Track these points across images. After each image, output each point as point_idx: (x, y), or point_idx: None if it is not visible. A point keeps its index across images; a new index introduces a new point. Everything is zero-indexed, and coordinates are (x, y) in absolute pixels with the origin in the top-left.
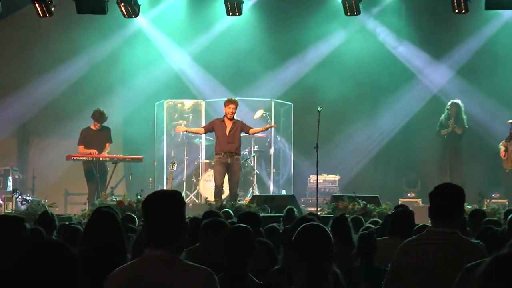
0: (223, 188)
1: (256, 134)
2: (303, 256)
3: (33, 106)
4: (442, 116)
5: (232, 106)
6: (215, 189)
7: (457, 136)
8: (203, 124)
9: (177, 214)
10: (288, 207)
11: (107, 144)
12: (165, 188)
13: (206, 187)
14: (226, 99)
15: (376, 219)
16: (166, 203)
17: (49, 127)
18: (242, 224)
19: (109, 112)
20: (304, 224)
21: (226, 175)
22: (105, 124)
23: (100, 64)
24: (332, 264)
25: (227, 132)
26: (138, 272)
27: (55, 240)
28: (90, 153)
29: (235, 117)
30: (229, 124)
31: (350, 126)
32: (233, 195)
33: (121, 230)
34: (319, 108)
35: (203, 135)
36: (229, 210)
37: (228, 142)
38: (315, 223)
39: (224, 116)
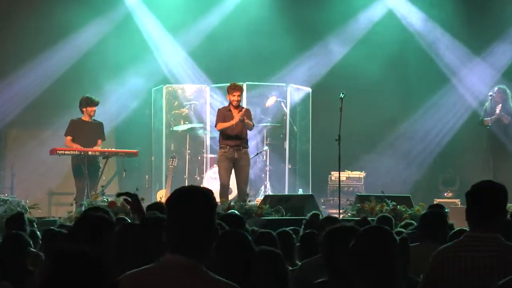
0: (231, 187)
1: (266, 124)
2: (366, 263)
3: (14, 97)
4: (487, 104)
5: (237, 93)
6: (220, 188)
7: (504, 126)
8: (208, 113)
9: (208, 216)
10: (313, 212)
11: (99, 141)
12: (163, 187)
13: (211, 186)
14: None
15: (410, 221)
16: (196, 202)
17: (30, 117)
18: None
19: (99, 100)
20: (366, 227)
21: (233, 172)
22: (98, 118)
23: (89, 46)
24: (399, 272)
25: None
26: (154, 280)
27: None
28: (78, 147)
29: (242, 104)
30: (235, 114)
31: (378, 116)
32: (241, 194)
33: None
34: (341, 94)
35: (208, 126)
36: (237, 212)
37: (235, 134)
38: (378, 226)
39: (230, 104)
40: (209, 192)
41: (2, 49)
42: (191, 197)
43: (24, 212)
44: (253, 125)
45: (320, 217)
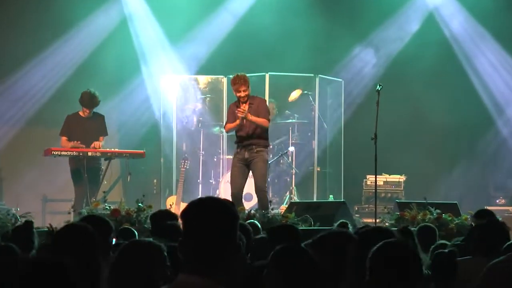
0: (249, 192)
1: (292, 121)
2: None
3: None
4: None
5: (241, 88)
6: (231, 197)
7: None
8: (225, 107)
9: (228, 230)
10: (340, 221)
11: (101, 138)
12: (173, 192)
13: (229, 191)
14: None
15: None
16: (215, 215)
17: (21, 112)
18: None
19: (101, 94)
20: (382, 243)
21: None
22: (97, 110)
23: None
24: None
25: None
26: None
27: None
28: (76, 147)
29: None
30: (245, 108)
31: (420, 111)
32: (259, 191)
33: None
34: (378, 86)
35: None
36: (257, 222)
37: (245, 133)
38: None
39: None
40: (230, 204)
41: None
42: (210, 209)
43: (32, 221)
44: (269, 120)
45: (350, 227)
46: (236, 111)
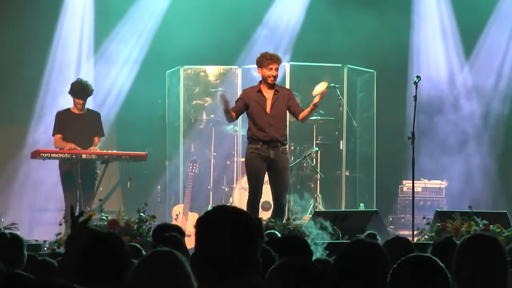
0: (267, 199)
1: (316, 118)
2: None
3: None
4: None
5: (274, 65)
6: (250, 197)
7: None
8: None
9: (250, 246)
10: (367, 232)
11: (96, 139)
12: (180, 201)
13: (244, 199)
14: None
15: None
16: (237, 228)
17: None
18: None
19: (96, 86)
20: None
21: (266, 178)
22: (91, 107)
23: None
24: None
25: (268, 108)
26: None
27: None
28: (69, 148)
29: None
30: (269, 95)
31: (464, 106)
32: (279, 208)
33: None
34: (416, 78)
35: (239, 121)
36: (277, 232)
37: (269, 123)
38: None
39: (261, 82)
40: (252, 218)
41: None
42: (230, 221)
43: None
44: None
45: (378, 238)
46: (272, 95)
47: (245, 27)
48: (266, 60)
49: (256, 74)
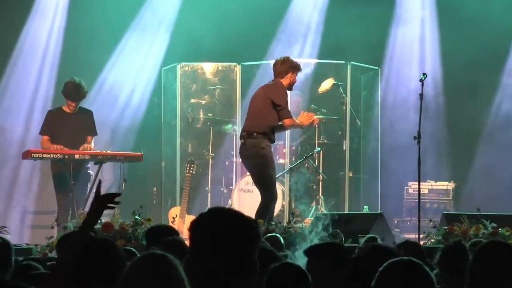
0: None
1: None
2: None
3: None
4: None
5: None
6: (271, 198)
7: None
8: (238, 101)
9: (246, 249)
10: (369, 235)
11: (89, 138)
12: (177, 203)
13: (244, 201)
14: (285, 59)
15: (479, 239)
16: (233, 230)
17: None
18: None
19: (90, 85)
20: (390, 261)
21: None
22: (83, 105)
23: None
24: None
25: None
26: None
27: None
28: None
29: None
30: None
31: (472, 105)
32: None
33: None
34: (422, 75)
35: (238, 120)
36: (280, 236)
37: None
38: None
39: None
40: (250, 220)
41: None
42: (226, 223)
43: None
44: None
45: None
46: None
47: (244, 23)
48: (298, 69)
49: (256, 72)
